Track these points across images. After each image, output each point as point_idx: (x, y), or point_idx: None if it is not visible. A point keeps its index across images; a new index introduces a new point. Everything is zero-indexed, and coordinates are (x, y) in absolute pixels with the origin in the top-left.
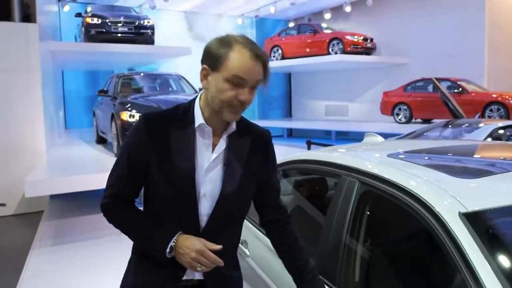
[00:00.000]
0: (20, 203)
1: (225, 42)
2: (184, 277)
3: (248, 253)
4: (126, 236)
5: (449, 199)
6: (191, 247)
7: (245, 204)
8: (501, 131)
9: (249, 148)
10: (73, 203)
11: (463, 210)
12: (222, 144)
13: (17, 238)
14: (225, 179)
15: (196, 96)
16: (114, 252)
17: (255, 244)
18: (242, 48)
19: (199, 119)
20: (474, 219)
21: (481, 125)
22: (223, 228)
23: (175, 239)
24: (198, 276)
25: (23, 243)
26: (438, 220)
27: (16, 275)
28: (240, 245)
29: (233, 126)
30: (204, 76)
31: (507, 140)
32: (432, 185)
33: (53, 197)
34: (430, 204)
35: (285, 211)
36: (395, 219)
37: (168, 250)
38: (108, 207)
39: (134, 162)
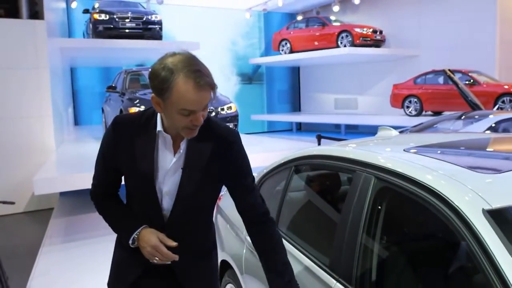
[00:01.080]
0: (30, 201)
1: (167, 70)
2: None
3: None
4: None
5: (471, 195)
6: (148, 242)
7: (205, 203)
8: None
9: (210, 152)
10: (82, 200)
11: (487, 207)
12: (182, 149)
13: (27, 236)
14: (182, 182)
15: None
16: None
17: None
18: (184, 79)
19: (159, 126)
20: (499, 217)
21: (490, 116)
22: (185, 223)
23: (137, 232)
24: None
25: (33, 241)
26: (460, 218)
27: (27, 272)
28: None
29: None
30: (156, 103)
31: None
32: (453, 181)
33: (62, 194)
34: (451, 201)
35: (265, 212)
36: (414, 216)
37: (130, 241)
38: (93, 195)
39: (107, 162)
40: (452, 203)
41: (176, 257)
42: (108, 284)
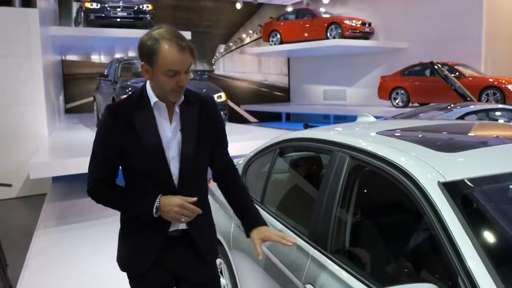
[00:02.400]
0: (23, 186)
1: (152, 38)
2: (170, 229)
3: None
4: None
5: (429, 169)
6: (172, 203)
7: (203, 158)
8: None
9: (199, 112)
10: (74, 185)
11: (442, 180)
12: (176, 114)
13: (22, 219)
14: (184, 142)
15: (145, 83)
16: (115, 231)
17: None
18: (168, 43)
19: (153, 98)
20: (452, 188)
21: (471, 106)
22: (191, 183)
23: (158, 201)
24: (182, 226)
25: (28, 224)
26: (419, 189)
27: (23, 253)
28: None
29: (182, 96)
30: (145, 71)
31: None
32: (415, 158)
33: (55, 180)
34: (412, 175)
35: (233, 163)
36: (382, 190)
37: (154, 211)
38: (94, 190)
39: (108, 149)
40: (413, 177)
41: (199, 210)
42: (124, 267)
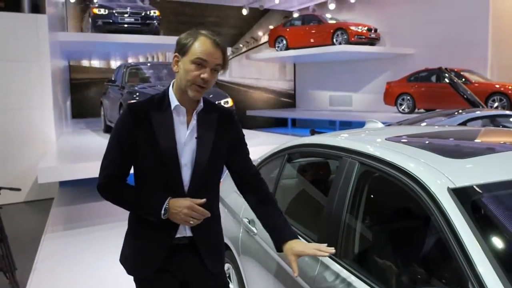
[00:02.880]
0: (31, 190)
1: (192, 33)
2: (177, 235)
3: (255, 231)
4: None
5: (439, 175)
6: (182, 205)
7: (216, 168)
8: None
9: (217, 122)
10: (81, 190)
11: (452, 186)
12: (193, 120)
13: (30, 224)
14: (198, 149)
15: (169, 86)
16: (122, 236)
17: None
18: (204, 37)
19: (174, 101)
20: (461, 194)
21: (477, 112)
22: (202, 191)
23: (167, 203)
24: (188, 233)
25: (36, 228)
26: (429, 195)
27: (31, 256)
28: (248, 223)
29: (201, 103)
30: (175, 62)
31: None
32: (424, 164)
33: (62, 184)
34: (422, 181)
35: (258, 172)
36: (391, 195)
37: (163, 212)
38: (105, 186)
39: (124, 145)
40: (423, 182)
41: (208, 214)
42: (130, 271)
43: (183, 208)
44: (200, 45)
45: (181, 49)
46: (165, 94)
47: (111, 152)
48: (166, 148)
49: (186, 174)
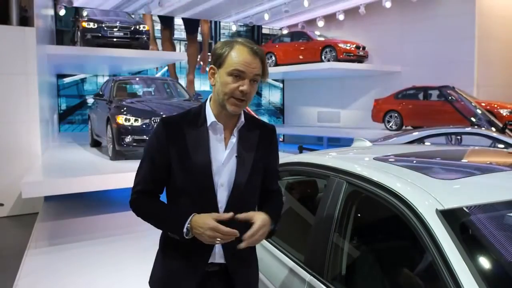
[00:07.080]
0: (15, 205)
1: (228, 43)
2: (210, 261)
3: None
4: (120, 238)
5: (427, 197)
6: (204, 226)
7: (254, 192)
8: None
9: (258, 139)
10: (67, 205)
11: (440, 208)
12: (233, 138)
13: (13, 239)
14: (238, 169)
15: (206, 100)
16: (109, 252)
17: None
18: (241, 46)
19: (210, 117)
20: (450, 216)
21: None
22: (239, 213)
23: (189, 221)
24: (219, 259)
25: (19, 244)
26: (417, 216)
27: (13, 273)
28: None
29: (242, 119)
30: (211, 74)
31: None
32: (412, 185)
33: (47, 199)
34: (410, 202)
35: (279, 190)
36: (379, 216)
37: (185, 230)
38: (135, 202)
39: (156, 160)
40: (411, 204)
41: (237, 233)
42: None
43: (206, 230)
44: (237, 55)
45: (217, 60)
46: (201, 108)
47: (143, 167)
48: (200, 167)
49: (223, 195)
